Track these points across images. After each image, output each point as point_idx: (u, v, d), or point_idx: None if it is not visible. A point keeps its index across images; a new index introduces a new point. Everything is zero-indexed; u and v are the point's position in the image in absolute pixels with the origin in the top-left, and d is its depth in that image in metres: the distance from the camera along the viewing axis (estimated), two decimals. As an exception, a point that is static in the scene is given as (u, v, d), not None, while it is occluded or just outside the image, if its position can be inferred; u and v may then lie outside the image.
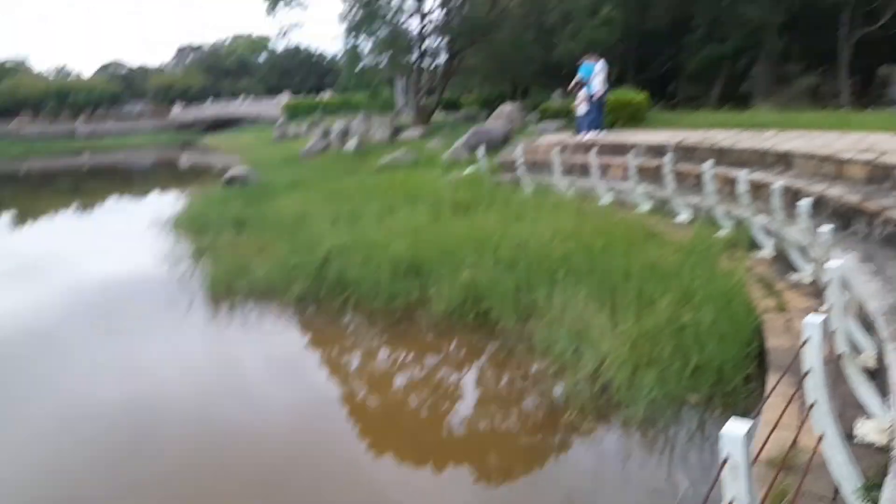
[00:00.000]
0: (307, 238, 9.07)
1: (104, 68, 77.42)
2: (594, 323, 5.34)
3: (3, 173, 37.03)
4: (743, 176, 6.76)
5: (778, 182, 6.58)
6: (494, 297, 6.38)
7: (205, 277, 8.85)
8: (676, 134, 12.23)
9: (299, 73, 75.12)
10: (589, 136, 13.11)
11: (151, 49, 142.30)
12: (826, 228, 3.91)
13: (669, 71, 25.93)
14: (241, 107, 55.98)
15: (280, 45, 71.10)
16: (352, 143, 21.37)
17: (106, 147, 50.60)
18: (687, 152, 10.78)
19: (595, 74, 12.81)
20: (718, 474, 1.66)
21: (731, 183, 8.96)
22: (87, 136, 56.21)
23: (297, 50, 72.31)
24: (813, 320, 2.51)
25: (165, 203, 17.79)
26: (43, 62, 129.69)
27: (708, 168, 7.73)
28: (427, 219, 9.67)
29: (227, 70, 75.00)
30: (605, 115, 13.53)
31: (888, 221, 5.55)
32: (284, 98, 52.20)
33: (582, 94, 13.32)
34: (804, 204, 4.68)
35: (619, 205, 10.40)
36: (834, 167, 7.65)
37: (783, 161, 8.72)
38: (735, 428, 1.62)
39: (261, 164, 27.10)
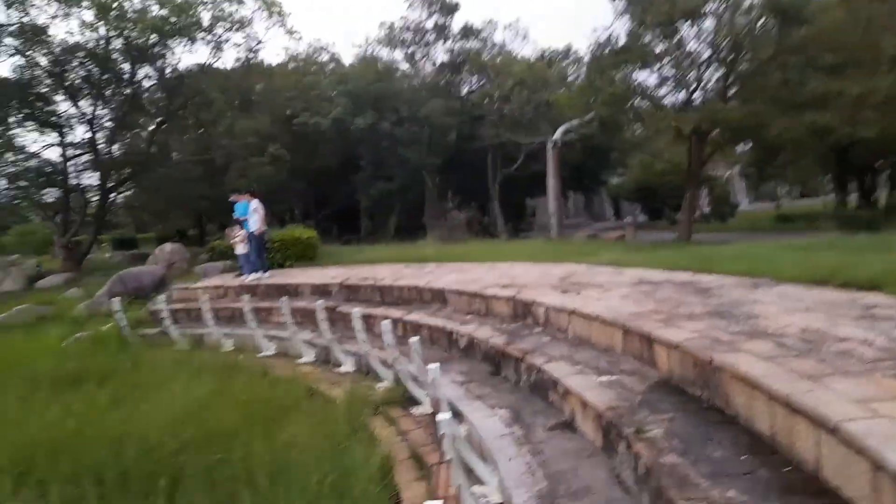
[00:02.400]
0: None
1: None
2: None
3: None
4: (387, 326, 5.94)
5: (423, 325, 5.90)
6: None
7: None
8: (343, 272, 11.59)
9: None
10: (251, 277, 11.73)
11: None
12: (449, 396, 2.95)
13: (350, 207, 26.67)
14: None
15: None
16: (-43, 299, 16.50)
17: None
18: (351, 292, 10.06)
19: (251, 213, 11.67)
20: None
21: (393, 326, 8.35)
22: None
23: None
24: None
25: None
26: None
27: (357, 314, 6.85)
28: (8, 408, 6.97)
29: None
30: (266, 254, 12.34)
31: (531, 368, 5.09)
32: None
33: (240, 233, 12.02)
34: (433, 368, 3.87)
35: (283, 355, 9.00)
36: (483, 304, 7.42)
37: (439, 298, 8.38)
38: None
39: None
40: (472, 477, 4.17)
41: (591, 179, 31.41)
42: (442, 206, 24.34)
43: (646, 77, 17.56)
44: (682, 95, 17.73)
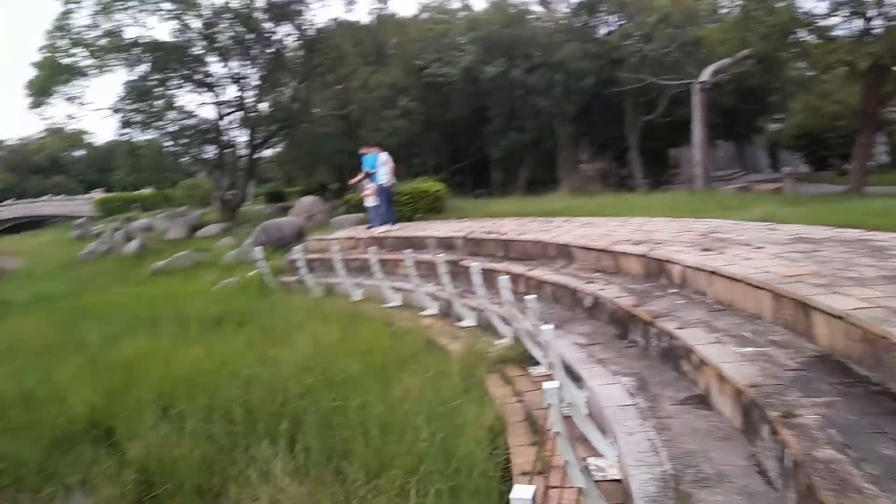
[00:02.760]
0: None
1: None
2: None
3: None
4: (505, 282, 5.67)
5: (548, 280, 5.55)
6: (181, 473, 4.51)
7: None
8: (469, 225, 11.43)
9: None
10: (380, 230, 11.92)
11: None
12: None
13: (482, 159, 26.38)
14: (47, 206, 49.52)
15: (99, 140, 64.94)
16: (133, 245, 18.59)
17: None
18: (475, 245, 9.88)
19: (380, 166, 11.79)
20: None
21: (514, 282, 8.08)
22: None
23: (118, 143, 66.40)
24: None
25: None
26: None
27: (476, 269, 6.63)
28: (162, 345, 7.66)
29: (35, 167, 67.02)
30: (395, 206, 12.47)
31: (662, 333, 4.61)
32: (98, 194, 47.37)
33: (370, 186, 12.21)
34: (546, 330, 3.55)
35: (408, 307, 9.07)
36: (612, 261, 6.91)
37: (564, 254, 7.95)
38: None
39: (35, 270, 23.53)
40: (589, 447, 3.86)
41: (745, 126, 28.46)
42: (575, 157, 23.31)
43: (813, 5, 15.32)
44: (857, 24, 15.29)
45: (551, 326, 3.70)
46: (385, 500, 3.62)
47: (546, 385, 2.79)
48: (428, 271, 9.32)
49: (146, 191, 47.65)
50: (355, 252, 11.83)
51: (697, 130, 19.60)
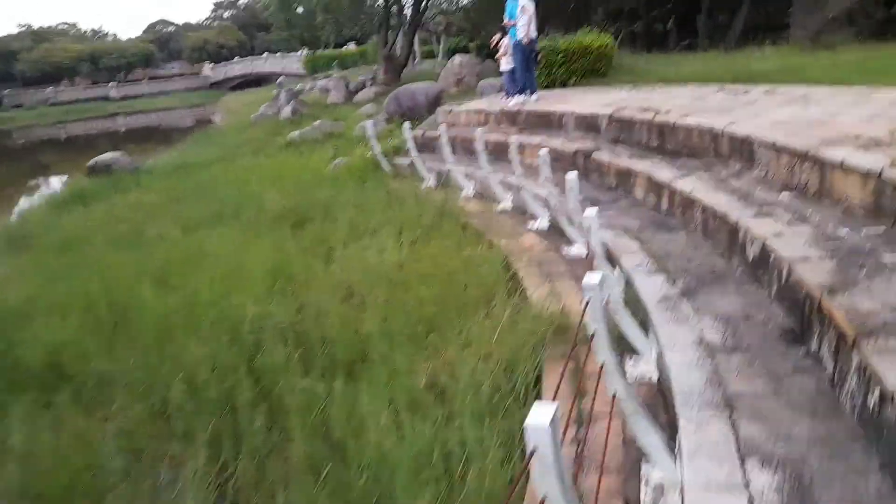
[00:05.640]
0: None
1: (151, 28, 76.35)
2: None
3: (48, 138, 37.65)
4: (592, 217, 3.31)
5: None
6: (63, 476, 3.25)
7: None
8: (626, 97, 8.55)
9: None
10: (514, 101, 9.49)
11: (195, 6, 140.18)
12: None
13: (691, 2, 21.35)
14: (265, 63, 52.43)
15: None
16: (287, 110, 18.11)
17: (139, 109, 49.62)
18: (623, 129, 7.21)
19: (519, 13, 9.01)
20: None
21: (655, 192, 5.50)
22: (119, 98, 55.12)
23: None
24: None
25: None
26: (87, 24, 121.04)
27: (572, 177, 4.28)
28: (213, 247, 6.57)
29: (262, 25, 71.78)
30: (534, 71, 9.75)
31: (867, 372, 2.13)
32: (306, 52, 48.98)
33: (505, 42, 9.65)
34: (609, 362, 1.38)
35: (521, 212, 6.94)
36: (817, 175, 4.08)
37: (742, 152, 5.11)
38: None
39: (221, 129, 25.06)
40: None
41: None
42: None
43: None
44: None
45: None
46: None
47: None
48: (555, 162, 7.00)
49: (350, 48, 47.73)
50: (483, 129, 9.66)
51: None
